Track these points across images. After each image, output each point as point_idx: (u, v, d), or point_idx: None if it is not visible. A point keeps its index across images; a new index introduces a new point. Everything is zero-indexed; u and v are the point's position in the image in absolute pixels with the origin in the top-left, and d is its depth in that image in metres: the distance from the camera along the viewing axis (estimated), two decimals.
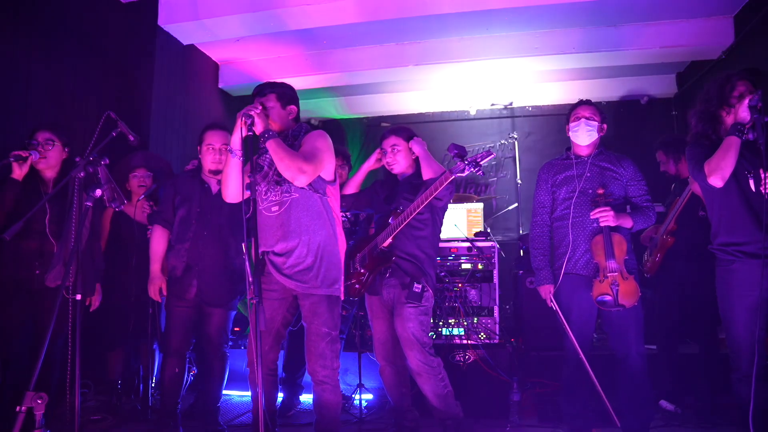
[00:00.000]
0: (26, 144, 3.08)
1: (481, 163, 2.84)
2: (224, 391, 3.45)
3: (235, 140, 2.60)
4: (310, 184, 2.68)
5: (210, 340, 3.30)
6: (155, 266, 3.32)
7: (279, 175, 2.67)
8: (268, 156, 2.67)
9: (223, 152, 3.25)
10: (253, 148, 2.60)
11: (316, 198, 2.73)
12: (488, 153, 2.94)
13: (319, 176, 2.71)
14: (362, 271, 3.09)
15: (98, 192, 2.49)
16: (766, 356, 2.54)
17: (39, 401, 2.07)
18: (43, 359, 2.23)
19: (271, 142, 2.59)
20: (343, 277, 2.81)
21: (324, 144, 2.75)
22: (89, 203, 2.47)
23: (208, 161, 3.30)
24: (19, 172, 3.04)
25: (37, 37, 3.94)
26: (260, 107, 2.62)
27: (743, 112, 2.54)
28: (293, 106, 2.86)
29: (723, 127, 2.70)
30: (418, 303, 2.95)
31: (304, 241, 2.68)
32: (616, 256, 2.91)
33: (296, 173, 2.60)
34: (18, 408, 2.04)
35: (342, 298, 2.81)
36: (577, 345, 2.99)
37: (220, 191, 3.20)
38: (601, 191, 2.99)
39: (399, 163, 3.19)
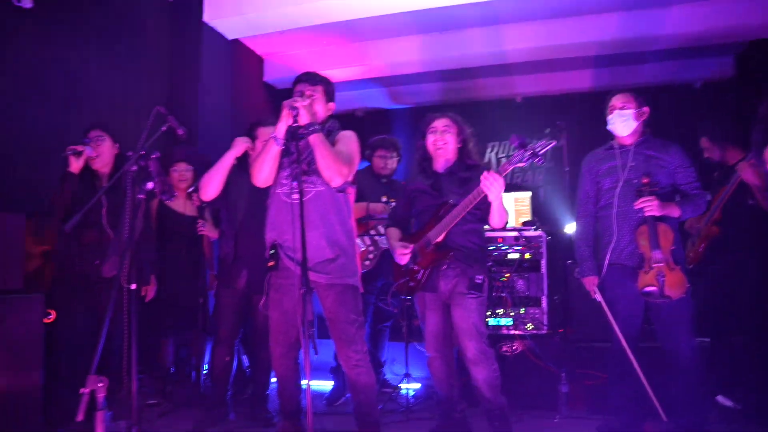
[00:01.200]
0: (82, 141, 3.23)
1: (541, 153, 2.75)
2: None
3: (281, 129, 2.63)
4: None
5: (257, 329, 3.37)
6: (225, 156, 3.22)
7: (309, 165, 2.70)
8: (302, 144, 2.69)
9: None
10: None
11: (338, 194, 2.77)
12: (548, 142, 2.80)
13: None
14: (416, 268, 3.04)
15: (150, 185, 2.57)
16: None
17: (100, 384, 2.17)
18: (103, 346, 2.33)
19: (315, 137, 2.62)
20: (360, 270, 2.84)
21: (357, 148, 2.83)
22: (141, 196, 2.56)
23: None
24: (75, 165, 3.19)
25: (89, 39, 4.10)
26: (308, 100, 2.66)
27: None
28: (333, 104, 2.91)
29: None
30: (480, 293, 2.92)
31: (322, 233, 2.69)
32: (662, 246, 2.82)
33: (335, 174, 2.63)
34: (82, 390, 2.15)
35: (361, 291, 2.83)
36: (621, 337, 2.93)
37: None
38: (645, 180, 2.90)
39: (448, 144, 3.07)
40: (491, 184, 2.73)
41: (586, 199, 3.17)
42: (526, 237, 3.98)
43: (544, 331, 3.86)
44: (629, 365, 2.94)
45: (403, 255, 3.05)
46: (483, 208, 2.93)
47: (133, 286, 2.51)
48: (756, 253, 3.39)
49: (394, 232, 3.23)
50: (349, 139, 2.81)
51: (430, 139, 3.11)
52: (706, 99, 5.81)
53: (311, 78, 2.84)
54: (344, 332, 2.71)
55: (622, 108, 3.01)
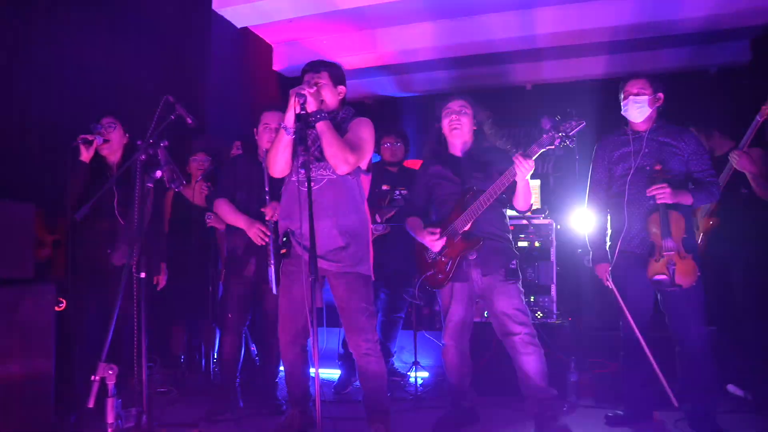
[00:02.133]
0: (91, 128, 3.25)
1: (572, 134, 2.67)
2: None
3: (289, 118, 2.62)
4: None
5: (266, 317, 3.39)
6: (242, 218, 3.25)
7: (320, 152, 2.69)
8: (313, 132, 2.69)
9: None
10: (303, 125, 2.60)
11: (351, 181, 2.76)
12: (578, 122, 2.71)
13: None
14: (444, 260, 2.94)
15: (158, 173, 2.58)
16: None
17: (110, 372, 2.21)
18: (114, 334, 2.36)
19: (321, 125, 2.62)
20: (372, 258, 2.82)
21: (369, 135, 2.78)
22: (150, 184, 2.57)
23: (265, 140, 3.35)
24: (86, 154, 3.21)
25: (99, 28, 4.11)
26: (314, 87, 2.65)
27: None
28: (343, 87, 2.87)
29: None
30: (518, 278, 2.90)
31: (334, 221, 2.69)
32: (673, 234, 2.79)
33: (341, 162, 2.63)
34: (92, 377, 2.18)
35: (373, 279, 2.82)
36: (633, 324, 2.91)
37: None
38: (658, 167, 2.86)
39: (464, 125, 3.00)
40: (522, 168, 2.71)
41: (597, 186, 3.14)
42: (535, 225, 3.96)
43: (553, 320, 3.85)
44: (640, 353, 2.92)
45: (434, 242, 2.92)
46: (507, 192, 2.88)
47: (143, 275, 2.53)
48: (752, 242, 3.37)
49: (417, 222, 3.10)
50: (360, 126, 2.78)
51: (446, 120, 3.03)
52: (721, 85, 5.72)
53: (315, 66, 2.82)
54: (355, 321, 2.72)
55: (637, 94, 2.96)
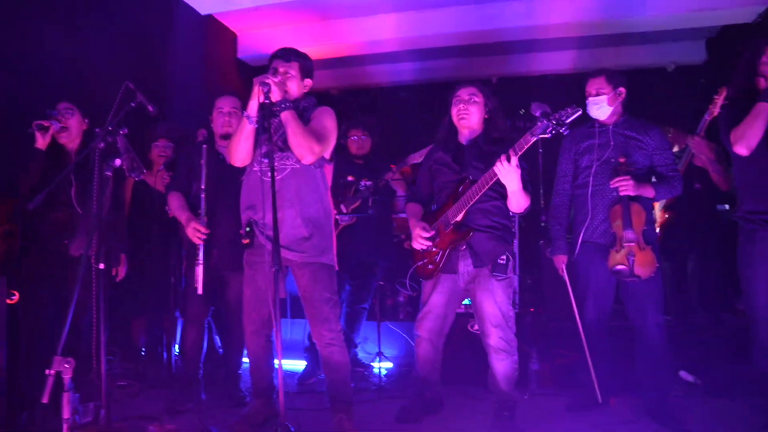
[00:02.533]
0: (46, 114, 3.13)
1: (567, 121, 2.49)
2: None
3: (252, 107, 2.59)
4: None
5: (229, 307, 3.35)
6: (184, 215, 3.21)
7: (284, 141, 2.67)
8: (275, 120, 2.65)
9: (233, 115, 3.28)
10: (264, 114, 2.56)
11: (315, 171, 2.75)
12: (574, 110, 2.54)
13: None
14: (434, 250, 2.88)
15: (118, 162, 2.52)
16: None
17: (66, 366, 2.14)
18: (72, 327, 2.30)
19: (287, 114, 2.60)
20: (335, 248, 2.81)
21: (333, 124, 2.77)
22: (109, 173, 2.51)
23: (219, 125, 3.32)
24: (42, 141, 3.10)
25: (56, 11, 3.95)
26: (279, 77, 2.62)
27: None
28: (309, 80, 2.85)
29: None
30: (505, 275, 2.77)
31: (298, 211, 2.67)
32: (634, 226, 2.87)
33: (306, 152, 2.62)
34: (47, 371, 2.12)
35: (336, 268, 2.81)
36: (577, 316, 3.01)
37: None
38: (622, 160, 2.93)
39: (472, 114, 2.89)
40: (502, 172, 2.58)
41: (563, 177, 3.19)
42: None
43: (516, 310, 3.91)
44: (599, 343, 3.00)
45: (420, 243, 2.88)
46: (503, 188, 2.73)
47: (102, 266, 2.47)
48: (705, 235, 3.50)
49: (415, 209, 3.04)
50: (323, 116, 2.77)
51: (454, 109, 2.93)
52: (679, 83, 5.89)
53: (286, 54, 2.78)
54: (319, 311, 2.71)
55: (597, 95, 3.02)
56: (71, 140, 3.26)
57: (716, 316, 3.59)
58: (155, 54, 4.71)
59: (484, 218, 2.82)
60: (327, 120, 2.76)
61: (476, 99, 2.91)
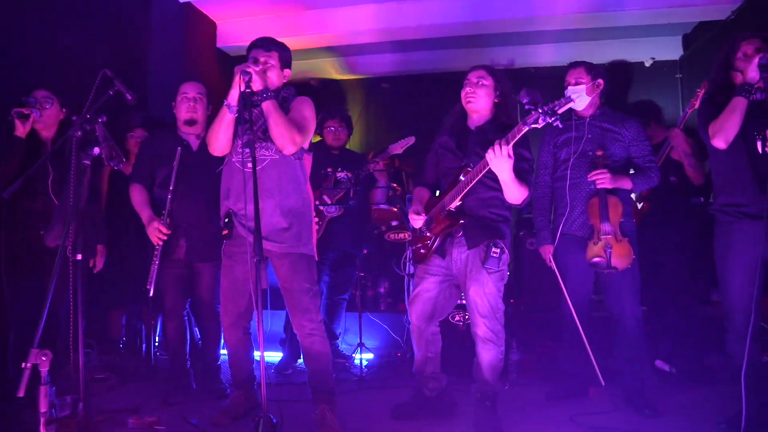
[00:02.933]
0: (24, 102, 3.06)
1: (560, 111, 2.44)
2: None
3: (233, 96, 2.56)
4: None
5: (202, 300, 3.33)
6: (145, 213, 3.18)
7: (263, 131, 2.66)
8: (255, 110, 2.62)
9: (198, 101, 3.29)
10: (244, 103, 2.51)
11: (294, 162, 2.74)
12: (567, 99, 2.51)
13: None
14: (428, 234, 2.84)
15: (96, 150, 2.48)
16: (759, 316, 2.56)
17: (43, 358, 2.09)
18: (49, 319, 2.25)
19: (268, 104, 2.58)
20: (315, 238, 2.82)
21: (312, 114, 2.77)
22: (87, 162, 2.46)
23: (183, 110, 3.29)
24: (22, 129, 3.04)
25: None
26: (260, 66, 2.60)
27: (752, 72, 2.48)
28: (288, 71, 2.85)
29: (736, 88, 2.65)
30: (496, 267, 2.71)
31: (277, 202, 2.66)
32: (611, 218, 2.91)
33: (288, 143, 2.60)
34: (24, 364, 2.07)
35: (316, 259, 2.80)
36: (571, 306, 3.03)
37: (200, 147, 3.20)
38: (600, 152, 2.97)
39: (480, 98, 2.81)
40: (493, 160, 2.51)
41: (543, 169, 3.23)
42: None
43: None
44: (578, 333, 3.04)
45: (415, 220, 2.88)
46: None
47: (79, 257, 2.43)
48: (680, 228, 3.57)
49: (421, 193, 3.01)
50: (302, 106, 2.76)
51: (462, 93, 2.86)
52: (655, 77, 5.98)
53: (266, 44, 2.76)
54: (299, 301, 2.70)
55: (575, 84, 3.06)
56: (47, 128, 3.19)
57: (690, 307, 3.66)
58: (133, 42, 4.61)
59: (482, 208, 2.76)
60: (306, 110, 2.75)
61: (484, 82, 2.83)
